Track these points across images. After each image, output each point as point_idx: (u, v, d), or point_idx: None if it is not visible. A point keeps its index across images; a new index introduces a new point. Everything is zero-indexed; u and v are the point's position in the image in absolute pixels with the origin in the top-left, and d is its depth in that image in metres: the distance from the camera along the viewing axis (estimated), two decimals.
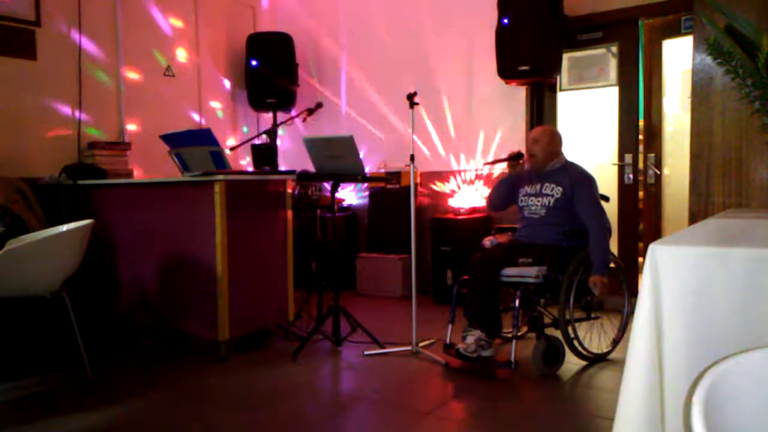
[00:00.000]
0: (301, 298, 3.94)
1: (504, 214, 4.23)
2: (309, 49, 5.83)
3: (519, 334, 3.09)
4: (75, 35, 4.49)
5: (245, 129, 5.89)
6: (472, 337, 3.06)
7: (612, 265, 3.43)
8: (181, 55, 5.28)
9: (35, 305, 3.32)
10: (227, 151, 3.59)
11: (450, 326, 3.30)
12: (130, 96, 4.87)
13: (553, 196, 3.25)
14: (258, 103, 5.55)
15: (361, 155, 3.40)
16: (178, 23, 5.25)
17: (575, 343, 3.14)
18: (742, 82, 1.71)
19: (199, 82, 5.44)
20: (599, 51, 4.61)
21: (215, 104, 5.62)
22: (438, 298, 4.78)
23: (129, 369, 3.26)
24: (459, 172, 5.11)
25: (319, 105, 4.03)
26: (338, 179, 3.48)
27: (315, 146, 3.44)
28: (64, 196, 3.86)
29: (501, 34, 4.44)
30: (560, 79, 4.69)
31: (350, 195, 5.72)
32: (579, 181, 3.22)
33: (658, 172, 4.48)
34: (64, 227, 2.91)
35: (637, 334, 1.18)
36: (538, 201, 3.29)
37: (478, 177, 5.00)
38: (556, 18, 4.32)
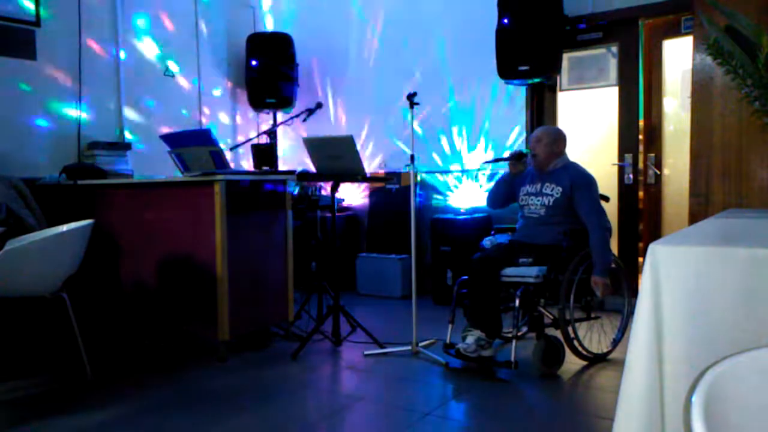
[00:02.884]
0: (301, 298, 3.94)
1: (504, 213, 4.24)
2: (309, 49, 5.82)
3: (519, 334, 3.09)
4: (75, 35, 4.49)
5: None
6: (472, 337, 3.06)
7: (612, 265, 3.43)
8: (182, 55, 5.28)
9: (35, 305, 3.32)
10: (227, 151, 3.59)
11: (450, 326, 3.30)
12: (130, 96, 4.87)
13: (552, 195, 3.24)
14: (258, 103, 5.55)
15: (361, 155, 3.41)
16: (178, 23, 5.25)
17: (575, 343, 3.14)
18: (742, 82, 1.71)
19: (199, 82, 5.44)
20: (599, 51, 4.60)
21: (215, 104, 5.62)
22: (438, 298, 4.78)
23: (129, 369, 3.26)
24: (459, 172, 5.10)
25: (319, 105, 4.04)
26: (338, 179, 3.48)
27: (315, 146, 3.44)
28: (64, 196, 3.86)
29: (501, 34, 4.44)
30: (560, 79, 4.69)
31: (350, 195, 5.72)
32: (579, 181, 3.21)
33: (658, 172, 4.47)
34: (64, 227, 2.91)
35: (637, 334, 1.18)
36: (538, 200, 3.29)
37: (479, 177, 4.99)
38: (556, 18, 4.32)
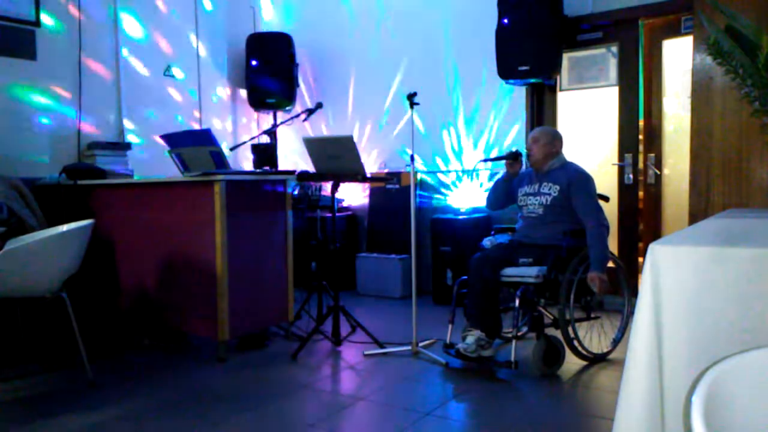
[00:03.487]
0: (301, 298, 3.94)
1: (504, 213, 4.24)
2: (309, 49, 5.83)
3: (519, 334, 3.09)
4: (75, 35, 4.49)
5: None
6: (472, 337, 3.06)
7: (611, 264, 3.43)
8: (182, 55, 5.28)
9: (35, 305, 3.32)
10: (227, 151, 3.59)
11: (450, 326, 3.30)
12: (130, 96, 4.87)
13: (550, 195, 3.25)
14: (258, 103, 5.55)
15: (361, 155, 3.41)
16: (178, 23, 5.25)
17: (575, 343, 3.14)
18: (742, 82, 1.71)
19: (199, 82, 5.44)
20: (599, 51, 4.60)
21: (215, 104, 5.62)
22: (438, 298, 4.78)
23: (129, 369, 3.26)
24: (459, 171, 5.10)
25: (319, 105, 4.03)
26: (338, 179, 3.48)
27: (315, 146, 3.44)
28: (64, 196, 3.86)
29: (501, 34, 4.44)
30: (560, 79, 4.69)
31: (350, 195, 5.72)
32: (576, 179, 3.22)
33: (658, 172, 4.47)
34: (64, 227, 2.91)
35: (637, 334, 1.18)
36: (536, 200, 3.29)
37: (478, 177, 5.00)
38: (556, 18, 4.32)
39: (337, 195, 3.61)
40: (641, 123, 4.47)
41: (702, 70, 2.65)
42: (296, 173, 3.69)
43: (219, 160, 3.37)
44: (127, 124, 4.85)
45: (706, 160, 2.65)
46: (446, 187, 5.18)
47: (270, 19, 6.07)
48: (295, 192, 4.66)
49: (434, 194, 5.24)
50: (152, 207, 3.62)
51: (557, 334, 3.12)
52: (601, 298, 3.13)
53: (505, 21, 4.42)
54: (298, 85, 5.62)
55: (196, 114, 5.43)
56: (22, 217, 3.41)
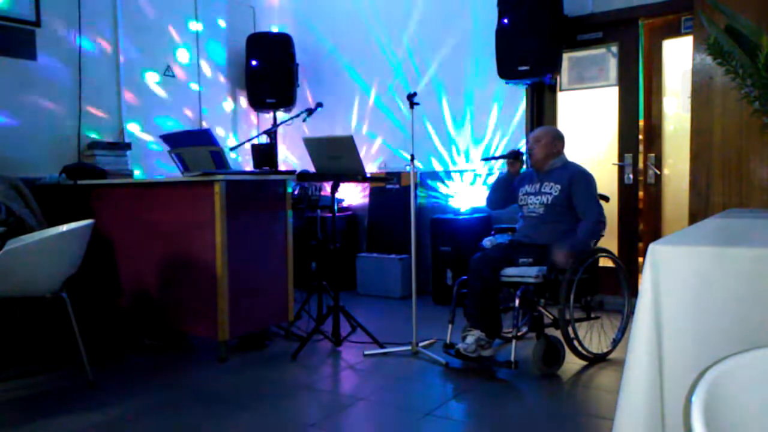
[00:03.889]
0: (301, 298, 3.94)
1: (504, 213, 4.24)
2: (309, 49, 5.82)
3: (519, 334, 3.09)
4: (75, 35, 4.49)
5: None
6: (472, 337, 3.06)
7: (611, 264, 3.43)
8: (181, 55, 5.28)
9: (35, 305, 3.32)
10: (227, 151, 3.59)
11: (450, 326, 3.30)
12: (130, 96, 4.87)
13: (551, 194, 3.25)
14: (258, 103, 5.55)
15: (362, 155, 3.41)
16: (178, 23, 5.25)
17: (575, 343, 3.14)
18: (742, 82, 1.71)
19: (199, 83, 5.44)
20: (599, 51, 4.60)
21: (215, 104, 5.62)
22: (438, 298, 4.78)
23: (129, 369, 3.26)
24: (459, 171, 5.10)
25: (319, 105, 4.03)
26: (338, 179, 3.48)
27: (315, 146, 3.44)
28: (64, 196, 3.86)
29: (501, 34, 4.44)
30: (560, 79, 4.69)
31: (350, 195, 5.72)
32: (577, 177, 3.23)
33: (658, 172, 4.47)
34: (64, 227, 2.91)
35: (637, 334, 1.18)
36: (537, 200, 3.29)
37: (478, 177, 5.00)
38: (556, 18, 4.32)
39: (337, 195, 3.61)
40: (641, 123, 4.47)
41: (702, 70, 2.65)
42: (296, 173, 3.69)
43: (219, 160, 3.37)
44: (127, 124, 4.85)
45: (706, 160, 2.65)
46: (446, 187, 5.18)
47: (269, 19, 6.07)
48: (295, 192, 4.66)
49: (434, 194, 5.24)
50: (152, 207, 3.62)
51: (557, 334, 3.12)
52: (556, 263, 3.02)
53: (505, 21, 4.42)
54: (298, 85, 5.62)
55: (196, 114, 5.42)
56: (21, 216, 3.41)
